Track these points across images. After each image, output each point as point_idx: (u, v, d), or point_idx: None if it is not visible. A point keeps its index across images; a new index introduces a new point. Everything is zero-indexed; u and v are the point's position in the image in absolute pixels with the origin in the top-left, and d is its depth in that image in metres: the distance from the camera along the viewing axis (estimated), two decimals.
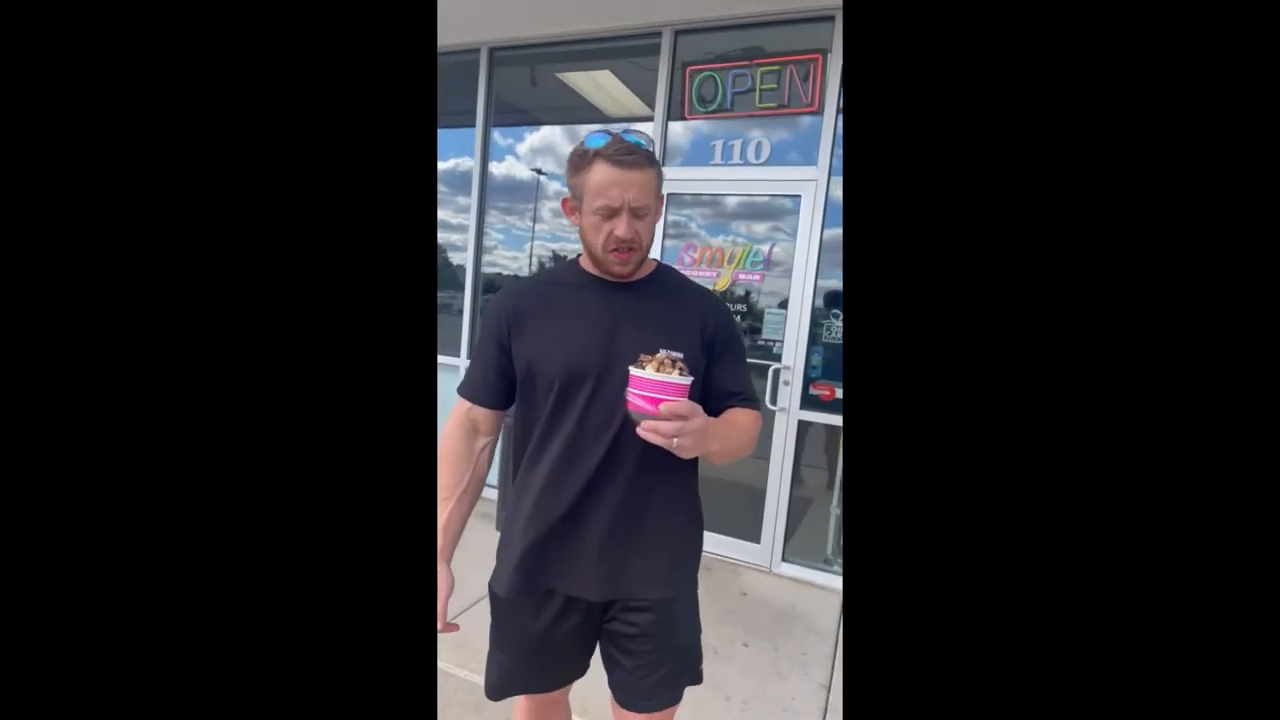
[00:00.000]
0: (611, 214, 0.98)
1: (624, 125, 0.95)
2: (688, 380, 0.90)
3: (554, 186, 3.82)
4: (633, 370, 0.90)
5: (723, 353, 1.10)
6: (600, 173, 0.97)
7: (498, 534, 1.15)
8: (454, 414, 1.11)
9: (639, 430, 0.89)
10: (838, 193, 2.86)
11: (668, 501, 1.07)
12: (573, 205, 1.05)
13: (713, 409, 1.04)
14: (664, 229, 3.20)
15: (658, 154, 3.32)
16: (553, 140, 3.78)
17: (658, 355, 0.91)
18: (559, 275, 1.12)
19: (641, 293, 1.08)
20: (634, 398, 0.90)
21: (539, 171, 3.83)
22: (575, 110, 3.62)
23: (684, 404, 0.88)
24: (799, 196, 2.91)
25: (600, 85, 3.53)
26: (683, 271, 1.16)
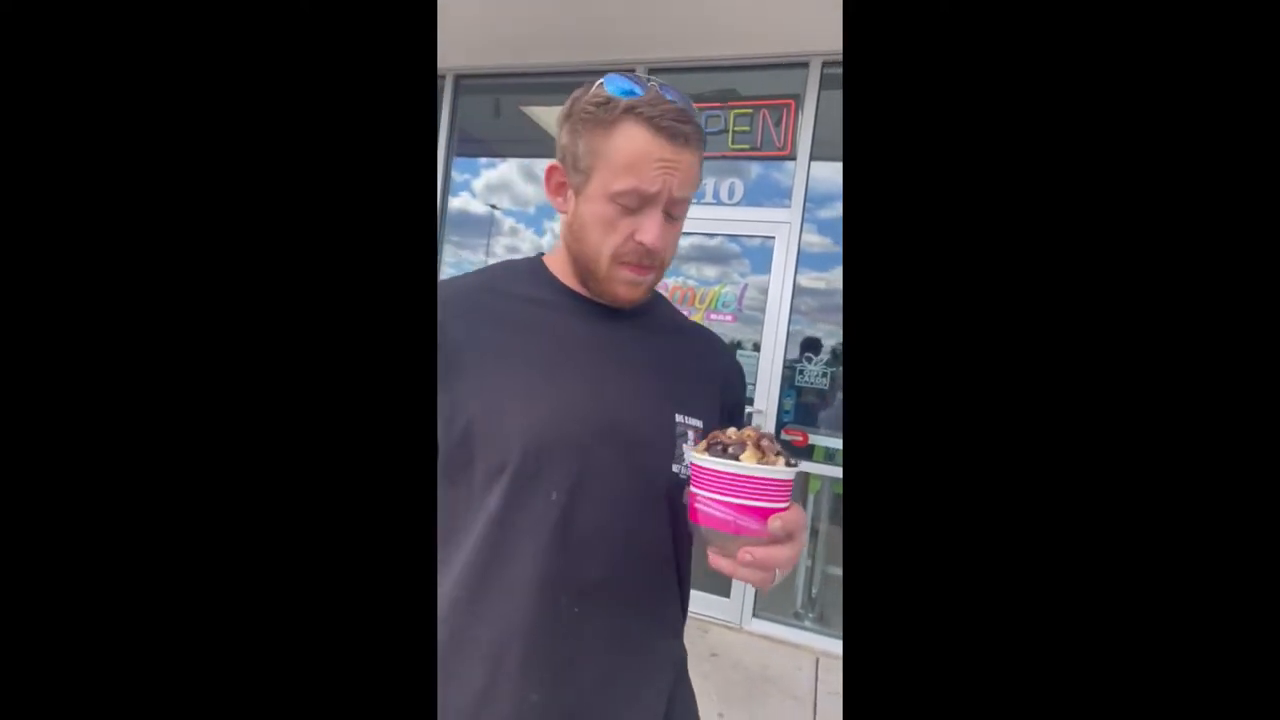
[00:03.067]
0: (640, 205, 0.62)
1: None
2: (794, 472, 0.55)
3: (508, 223, 3.69)
4: (715, 461, 0.54)
5: (732, 418, 0.76)
6: (634, 138, 0.60)
7: None
8: None
9: (740, 557, 0.52)
10: (810, 237, 2.86)
11: (675, 663, 0.72)
12: (568, 180, 0.66)
13: None
14: None
15: None
16: (510, 178, 3.67)
17: (738, 431, 0.56)
18: (520, 282, 0.71)
19: (640, 325, 0.71)
20: (717, 508, 0.53)
21: (494, 206, 3.70)
22: (538, 144, 3.53)
23: (797, 514, 0.53)
24: (773, 238, 2.87)
25: None
26: None
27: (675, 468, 0.66)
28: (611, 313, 0.69)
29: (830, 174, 2.84)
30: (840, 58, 2.71)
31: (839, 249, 2.87)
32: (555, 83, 3.31)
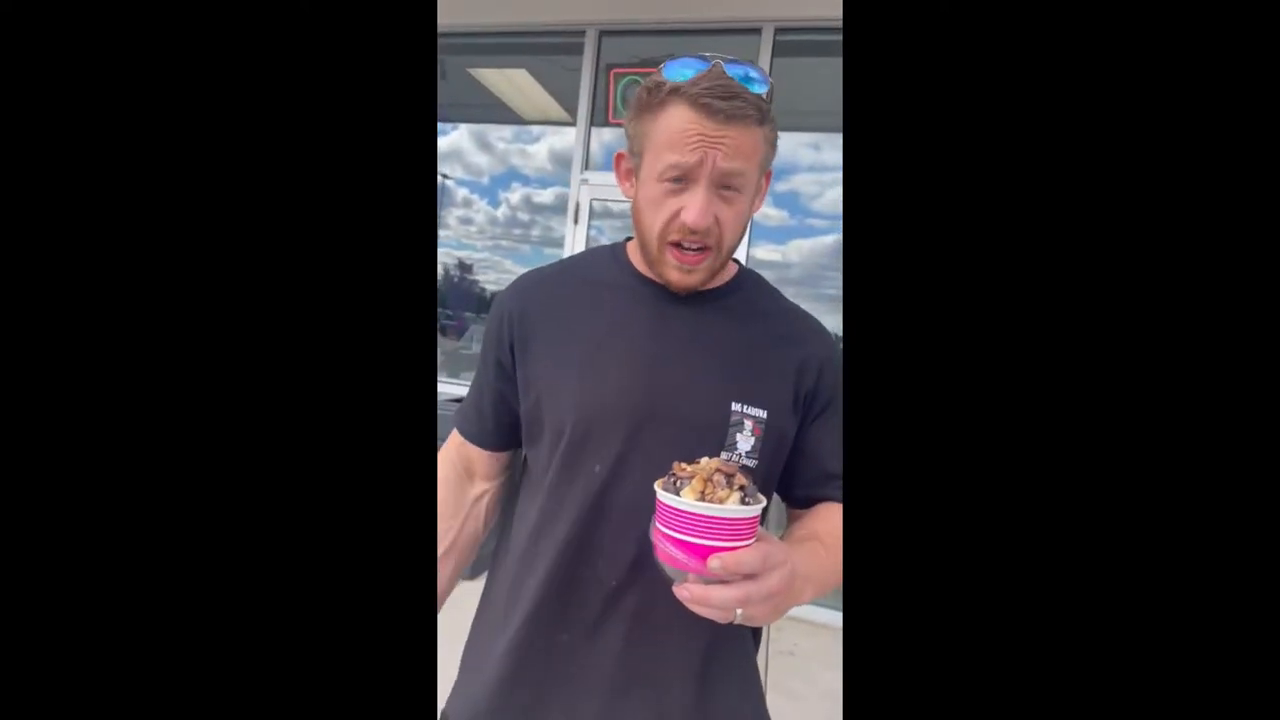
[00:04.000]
0: (682, 183, 0.62)
1: (727, 55, 0.62)
2: (756, 510, 0.52)
3: (461, 193, 3.55)
4: (661, 493, 0.53)
5: (823, 412, 0.72)
6: (676, 116, 0.60)
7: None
8: (445, 449, 0.79)
9: (678, 593, 0.52)
10: (765, 209, 2.80)
11: (723, 659, 0.71)
12: (629, 165, 0.69)
13: (796, 500, 0.74)
14: (586, 244, 3.01)
15: (579, 160, 3.23)
16: (460, 145, 3.52)
17: (702, 463, 0.54)
18: (595, 266, 0.76)
19: (712, 309, 0.71)
20: (664, 543, 0.53)
21: (445, 176, 3.55)
22: (488, 109, 3.39)
23: (751, 554, 0.50)
24: None
25: (514, 84, 3.32)
26: None
27: (725, 456, 0.66)
28: (678, 296, 0.70)
29: (784, 146, 2.78)
30: (792, 25, 2.63)
31: (795, 222, 2.83)
32: (503, 44, 3.16)
